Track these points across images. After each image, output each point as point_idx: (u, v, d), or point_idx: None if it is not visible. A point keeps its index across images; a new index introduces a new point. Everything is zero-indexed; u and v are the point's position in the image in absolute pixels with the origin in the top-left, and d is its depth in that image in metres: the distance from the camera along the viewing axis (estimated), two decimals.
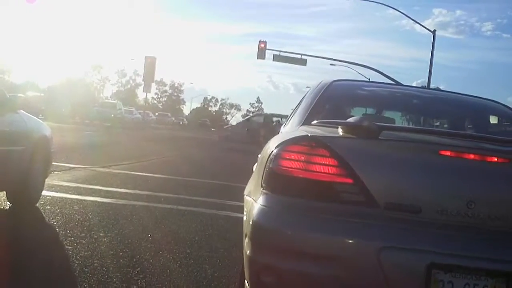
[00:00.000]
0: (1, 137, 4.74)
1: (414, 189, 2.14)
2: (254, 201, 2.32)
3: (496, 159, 2.17)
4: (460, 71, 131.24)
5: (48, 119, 19.12)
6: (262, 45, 32.46)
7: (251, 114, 42.03)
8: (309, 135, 2.32)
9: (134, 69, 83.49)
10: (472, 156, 2.16)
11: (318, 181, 2.16)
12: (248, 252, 2.21)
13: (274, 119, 27.02)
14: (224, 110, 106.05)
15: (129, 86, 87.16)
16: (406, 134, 2.39)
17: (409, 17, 30.77)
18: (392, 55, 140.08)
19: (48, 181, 6.15)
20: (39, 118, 6.42)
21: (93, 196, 6.48)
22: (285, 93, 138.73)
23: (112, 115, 34.24)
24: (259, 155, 2.79)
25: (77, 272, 3.49)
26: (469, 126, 3.73)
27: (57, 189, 6.53)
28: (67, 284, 3.36)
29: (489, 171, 2.16)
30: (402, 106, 3.93)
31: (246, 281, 2.33)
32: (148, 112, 51.81)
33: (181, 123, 66.25)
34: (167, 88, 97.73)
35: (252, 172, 2.91)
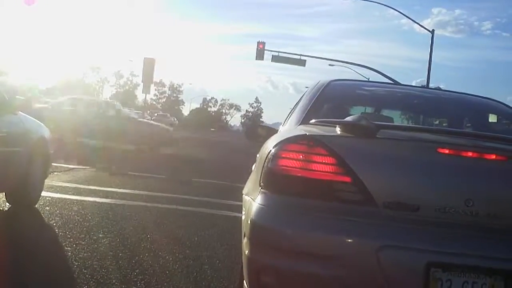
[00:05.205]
0: (0, 139, 4.74)
1: (412, 188, 2.14)
2: (253, 200, 2.32)
3: (494, 157, 2.17)
4: (459, 70, 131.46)
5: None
6: (261, 46, 32.41)
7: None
8: (307, 134, 2.32)
9: (131, 70, 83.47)
10: (470, 154, 2.16)
11: (317, 180, 2.16)
12: (246, 251, 2.21)
13: None
14: (224, 110, 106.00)
15: (126, 87, 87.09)
16: (404, 133, 2.39)
17: (408, 17, 30.73)
18: (391, 54, 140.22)
19: (47, 181, 6.15)
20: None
21: (92, 196, 6.48)
22: (284, 93, 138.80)
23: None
24: (258, 155, 2.79)
25: (77, 273, 3.48)
26: (468, 124, 3.73)
27: (56, 190, 6.53)
28: (67, 285, 3.36)
29: (488, 169, 2.15)
30: (401, 105, 3.93)
31: (244, 281, 2.33)
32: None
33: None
34: (166, 89, 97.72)
35: (251, 171, 2.91)
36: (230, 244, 4.64)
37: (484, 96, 3.82)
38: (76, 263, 3.67)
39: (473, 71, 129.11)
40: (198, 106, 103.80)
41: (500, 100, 3.75)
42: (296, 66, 34.76)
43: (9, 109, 5.02)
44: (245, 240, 2.27)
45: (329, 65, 36.67)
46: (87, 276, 3.43)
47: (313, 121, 2.71)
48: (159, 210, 6.15)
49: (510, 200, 2.13)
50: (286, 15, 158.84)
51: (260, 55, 32.52)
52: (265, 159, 2.34)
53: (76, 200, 6.09)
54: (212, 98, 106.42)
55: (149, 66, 34.02)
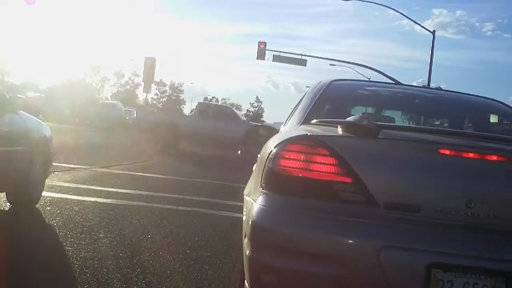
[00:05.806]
0: (1, 138, 4.74)
1: (413, 188, 2.13)
2: (254, 201, 2.32)
3: (495, 158, 2.16)
4: (460, 71, 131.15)
5: (48, 120, 19.11)
6: (262, 46, 32.40)
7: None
8: (309, 134, 2.32)
9: (132, 69, 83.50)
10: (471, 154, 2.15)
11: (318, 181, 2.16)
12: (247, 252, 2.21)
13: None
14: None
15: (128, 87, 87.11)
16: (405, 133, 2.39)
17: (408, 18, 30.63)
18: (392, 55, 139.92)
19: (48, 181, 6.15)
20: (40, 119, 6.43)
21: (93, 196, 6.48)
22: (285, 93, 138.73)
23: (112, 116, 34.20)
24: (259, 155, 2.79)
25: (77, 273, 3.48)
26: (469, 125, 3.73)
27: (57, 190, 6.52)
28: (67, 285, 3.36)
29: (489, 170, 2.15)
30: (402, 105, 3.93)
31: (246, 281, 2.33)
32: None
33: None
34: (167, 88, 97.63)
35: (252, 172, 2.91)
36: (231, 244, 4.64)
37: (485, 96, 3.81)
38: (77, 263, 3.67)
39: (474, 71, 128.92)
40: None
41: (501, 101, 3.75)
42: (297, 66, 34.75)
43: (10, 108, 5.02)
44: (246, 241, 2.27)
45: (330, 65, 36.64)
46: (88, 275, 3.43)
47: (314, 121, 2.71)
48: (159, 210, 6.15)
49: (511, 201, 2.13)
50: (287, 15, 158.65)
51: (261, 55, 32.50)
52: (266, 159, 2.34)
53: (77, 200, 6.08)
54: (213, 97, 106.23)
55: (150, 65, 34.07)
